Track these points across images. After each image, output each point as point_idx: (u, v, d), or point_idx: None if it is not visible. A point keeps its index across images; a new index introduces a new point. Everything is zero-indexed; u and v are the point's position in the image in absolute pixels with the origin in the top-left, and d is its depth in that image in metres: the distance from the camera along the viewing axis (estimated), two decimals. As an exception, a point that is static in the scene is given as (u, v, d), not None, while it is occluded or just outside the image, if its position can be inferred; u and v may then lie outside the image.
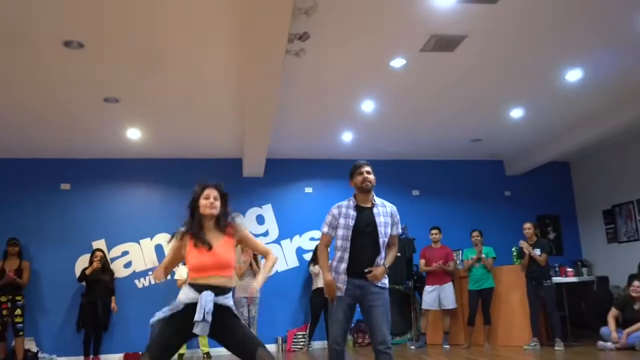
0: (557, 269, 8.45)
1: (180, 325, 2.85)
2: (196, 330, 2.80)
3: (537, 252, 7.02)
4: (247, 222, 8.67)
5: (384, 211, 3.58)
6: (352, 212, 3.53)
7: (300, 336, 8.21)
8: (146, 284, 8.21)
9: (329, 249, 3.67)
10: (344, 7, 4.48)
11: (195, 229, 3.04)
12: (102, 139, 7.65)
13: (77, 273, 7.80)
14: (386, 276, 3.59)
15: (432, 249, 7.92)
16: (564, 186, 10.22)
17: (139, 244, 8.35)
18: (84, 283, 7.68)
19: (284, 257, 8.75)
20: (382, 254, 3.53)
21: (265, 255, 3.28)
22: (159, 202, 8.48)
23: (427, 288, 7.79)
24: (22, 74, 5.50)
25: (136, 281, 8.23)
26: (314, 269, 8.07)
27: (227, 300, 2.97)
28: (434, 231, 7.96)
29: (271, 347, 8.07)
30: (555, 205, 10.06)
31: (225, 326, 2.91)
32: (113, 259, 8.14)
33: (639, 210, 8.76)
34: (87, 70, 5.42)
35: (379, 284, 3.51)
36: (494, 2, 4.41)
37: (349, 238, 3.48)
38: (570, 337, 7.55)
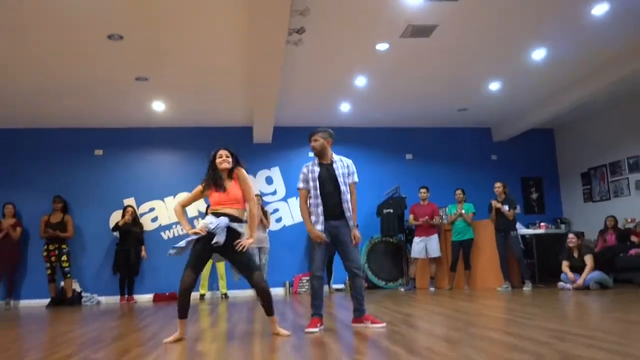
0: (538, 224, 9.45)
1: (204, 244, 3.94)
2: (216, 239, 3.82)
3: (506, 207, 8.03)
4: (257, 183, 9.68)
5: (342, 165, 4.52)
6: (316, 168, 4.48)
7: (304, 281, 9.26)
8: (170, 235, 9.34)
9: (308, 202, 4.46)
10: (334, 3, 5.40)
11: (214, 179, 4.06)
12: (132, 110, 8.69)
13: (112, 226, 8.99)
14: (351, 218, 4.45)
15: (420, 205, 8.93)
16: (547, 151, 10.96)
17: (164, 202, 9.46)
18: (117, 234, 8.86)
19: (290, 213, 9.79)
20: (346, 196, 4.40)
21: (249, 203, 4.18)
22: (180, 165, 9.55)
23: (416, 239, 8.83)
24: (69, 61, 6.52)
25: (162, 233, 9.37)
26: (318, 224, 9.11)
27: (240, 227, 4.03)
28: (422, 190, 8.94)
29: (279, 290, 9.26)
30: (539, 168, 10.82)
31: (235, 247, 3.95)
32: (142, 214, 9.27)
33: (611, 173, 9.57)
34: (124, 56, 6.42)
35: (349, 225, 4.40)
36: (455, 0, 5.33)
37: (318, 187, 4.41)
38: (539, 280, 8.62)
